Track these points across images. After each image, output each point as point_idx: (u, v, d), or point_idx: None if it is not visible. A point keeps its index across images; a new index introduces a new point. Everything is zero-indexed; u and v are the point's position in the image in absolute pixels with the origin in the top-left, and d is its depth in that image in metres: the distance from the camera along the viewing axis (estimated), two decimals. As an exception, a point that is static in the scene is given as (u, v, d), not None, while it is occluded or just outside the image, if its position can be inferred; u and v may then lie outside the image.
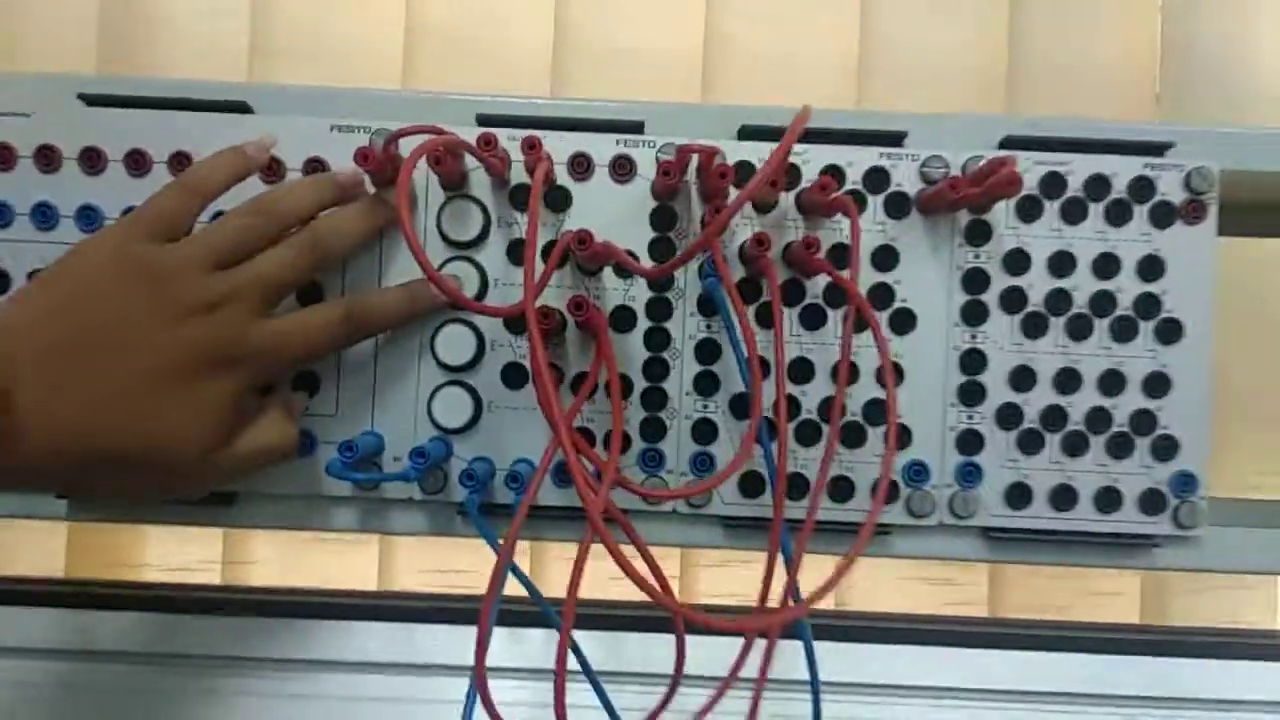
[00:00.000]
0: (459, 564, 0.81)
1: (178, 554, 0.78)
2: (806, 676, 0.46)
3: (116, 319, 0.40)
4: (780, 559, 0.44)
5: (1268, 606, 0.84)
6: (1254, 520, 0.52)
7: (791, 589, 0.43)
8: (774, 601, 0.44)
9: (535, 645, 0.64)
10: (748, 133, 0.50)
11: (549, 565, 0.82)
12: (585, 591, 0.37)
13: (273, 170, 0.48)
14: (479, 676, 0.38)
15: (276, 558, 0.81)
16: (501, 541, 0.42)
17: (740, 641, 0.44)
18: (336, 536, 0.81)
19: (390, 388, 0.49)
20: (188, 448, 0.42)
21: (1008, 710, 0.65)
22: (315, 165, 0.48)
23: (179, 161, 0.49)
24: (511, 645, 0.62)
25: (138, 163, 0.49)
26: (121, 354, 0.40)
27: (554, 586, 0.77)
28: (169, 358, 0.41)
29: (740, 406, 0.49)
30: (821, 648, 0.47)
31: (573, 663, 0.41)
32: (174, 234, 0.43)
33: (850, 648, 0.65)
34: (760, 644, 0.45)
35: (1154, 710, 0.65)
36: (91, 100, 0.50)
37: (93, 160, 0.49)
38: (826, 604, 0.76)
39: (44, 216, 0.49)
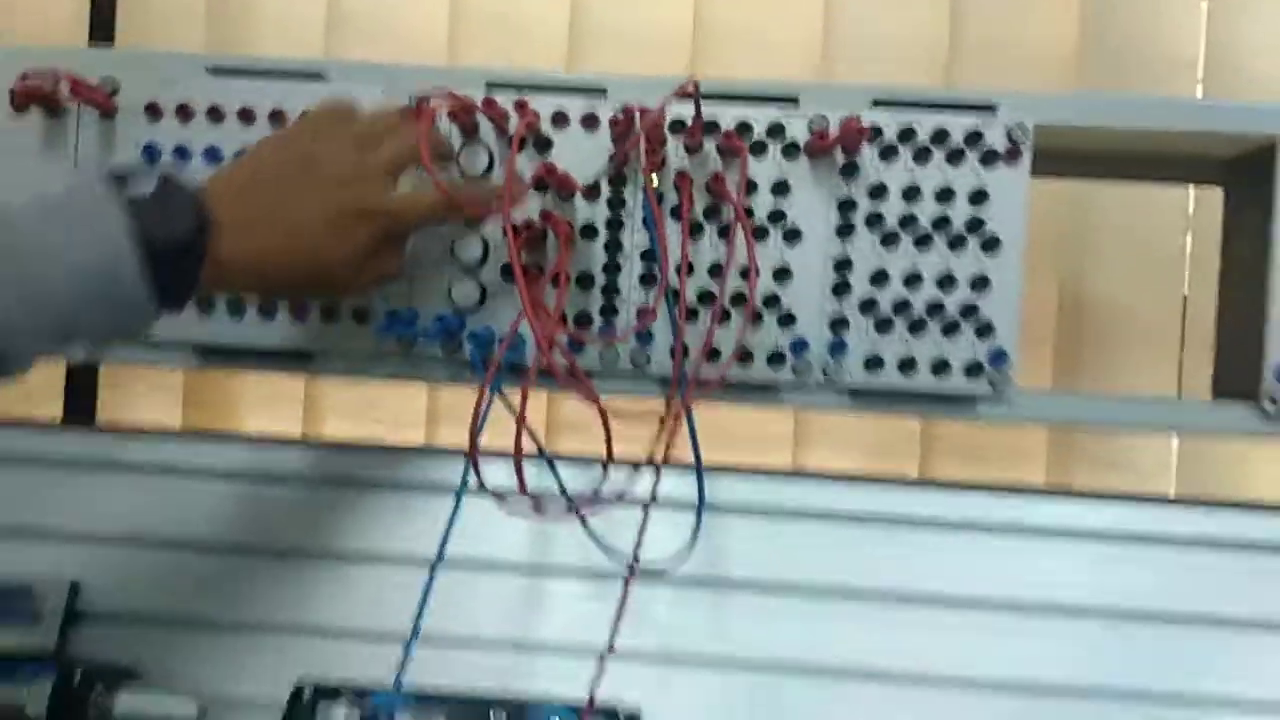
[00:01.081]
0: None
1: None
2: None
3: (291, 182, 0.58)
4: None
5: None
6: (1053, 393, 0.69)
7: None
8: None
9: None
10: (681, 96, 0.68)
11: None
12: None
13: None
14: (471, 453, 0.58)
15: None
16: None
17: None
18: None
19: (422, 280, 0.69)
20: (342, 269, 0.60)
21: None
22: (370, 118, 0.68)
23: (277, 116, 0.69)
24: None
25: (246, 116, 0.69)
26: (298, 206, 0.58)
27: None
28: (332, 210, 0.58)
29: (671, 298, 0.67)
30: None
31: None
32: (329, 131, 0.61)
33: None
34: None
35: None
36: (215, 71, 0.70)
37: (216, 115, 0.69)
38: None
39: (181, 155, 0.69)
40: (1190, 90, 1.00)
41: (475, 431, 0.59)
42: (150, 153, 0.69)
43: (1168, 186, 0.93)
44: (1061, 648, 0.72)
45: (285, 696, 0.68)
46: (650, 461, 0.64)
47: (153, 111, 0.69)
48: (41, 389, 1.06)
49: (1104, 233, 1.01)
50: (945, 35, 1.01)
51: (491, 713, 0.66)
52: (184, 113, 0.69)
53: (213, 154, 0.69)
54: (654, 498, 0.64)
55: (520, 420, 0.57)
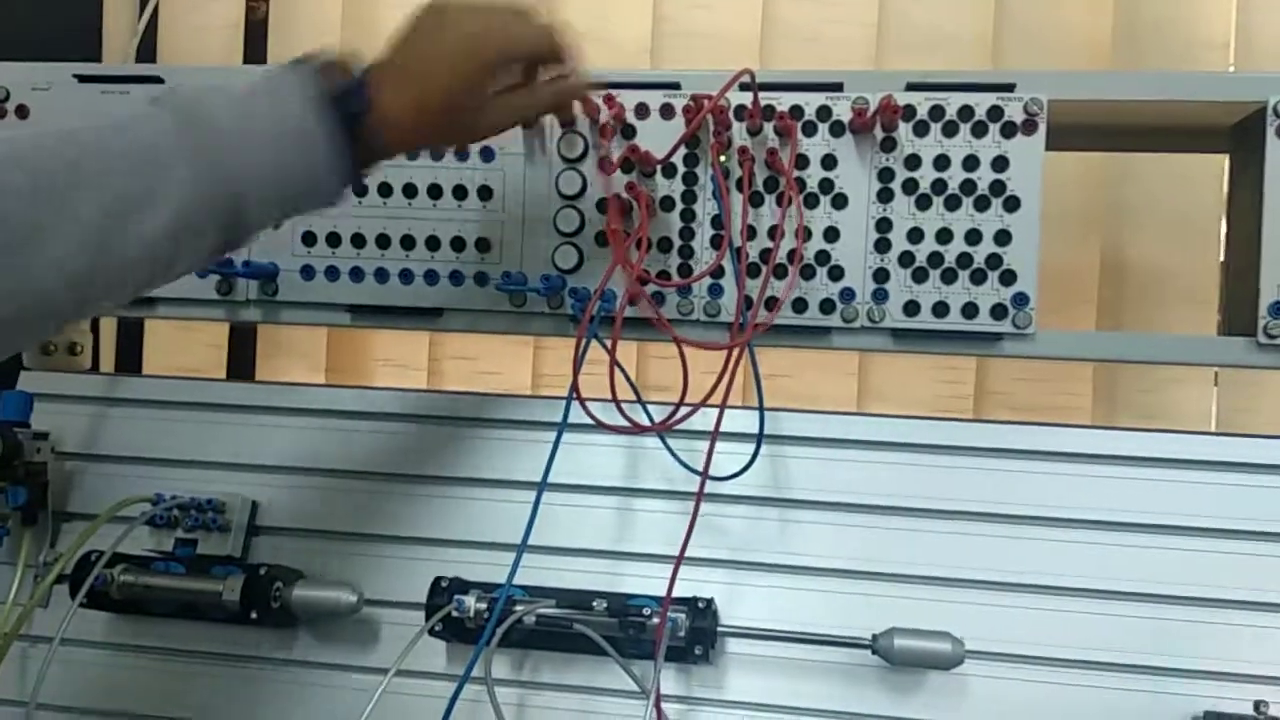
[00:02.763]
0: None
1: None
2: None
3: (431, 36, 0.65)
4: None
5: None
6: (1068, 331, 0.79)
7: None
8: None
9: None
10: (744, 86, 0.81)
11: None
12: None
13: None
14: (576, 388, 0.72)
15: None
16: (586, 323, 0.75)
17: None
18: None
19: (531, 246, 0.83)
20: (464, 97, 0.65)
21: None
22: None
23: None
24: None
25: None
26: (432, 50, 0.65)
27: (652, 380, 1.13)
28: (457, 44, 0.64)
29: (735, 258, 0.80)
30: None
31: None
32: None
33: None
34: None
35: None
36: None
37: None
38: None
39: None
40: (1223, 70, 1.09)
41: (577, 369, 0.73)
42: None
43: (1195, 156, 1.02)
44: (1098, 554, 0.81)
45: (424, 594, 0.82)
46: (715, 389, 0.76)
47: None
48: (209, 362, 1.25)
49: (1143, 202, 1.10)
50: (989, 27, 1.12)
51: (594, 602, 0.79)
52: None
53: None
54: (719, 425, 0.77)
55: (613, 351, 0.71)
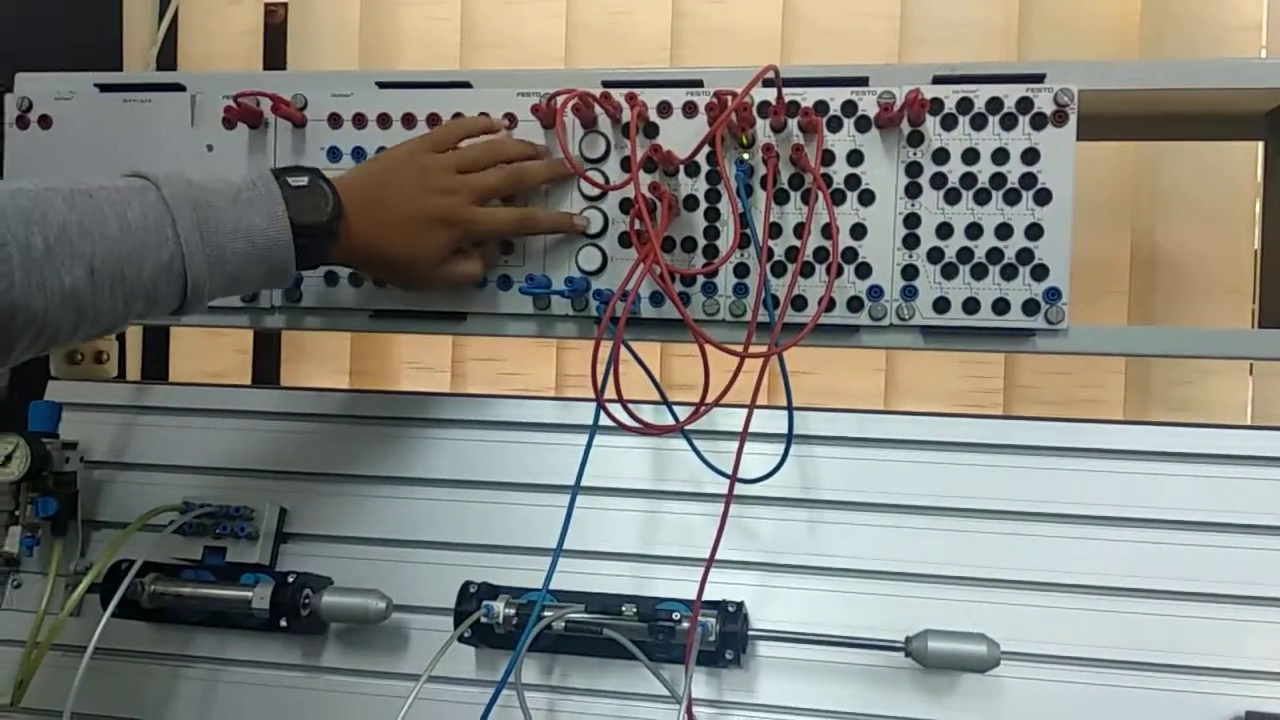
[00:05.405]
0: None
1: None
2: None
3: (398, 188, 0.75)
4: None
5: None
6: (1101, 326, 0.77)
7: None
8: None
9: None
10: (767, 83, 0.79)
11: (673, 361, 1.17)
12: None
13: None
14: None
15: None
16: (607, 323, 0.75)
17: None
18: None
19: (555, 249, 0.82)
20: (422, 261, 0.76)
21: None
22: (509, 116, 0.82)
23: (432, 119, 0.83)
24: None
25: (409, 121, 0.84)
26: (396, 207, 0.74)
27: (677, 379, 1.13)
28: (418, 214, 0.75)
29: (759, 254, 0.79)
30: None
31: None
32: (444, 149, 0.77)
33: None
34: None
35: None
36: (382, 85, 0.85)
37: (384, 121, 0.84)
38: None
39: (357, 155, 0.85)
40: (1255, 54, 1.06)
41: (604, 375, 0.72)
42: (333, 154, 0.85)
43: (1228, 144, 1.00)
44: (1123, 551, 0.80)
45: (451, 599, 0.82)
46: (730, 387, 0.75)
47: (334, 121, 0.85)
48: (234, 367, 1.25)
49: (1176, 192, 1.07)
50: (1014, 16, 1.10)
51: (623, 607, 0.78)
52: (359, 120, 0.84)
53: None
54: (748, 426, 0.76)
55: (615, 350, 0.70)
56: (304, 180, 0.70)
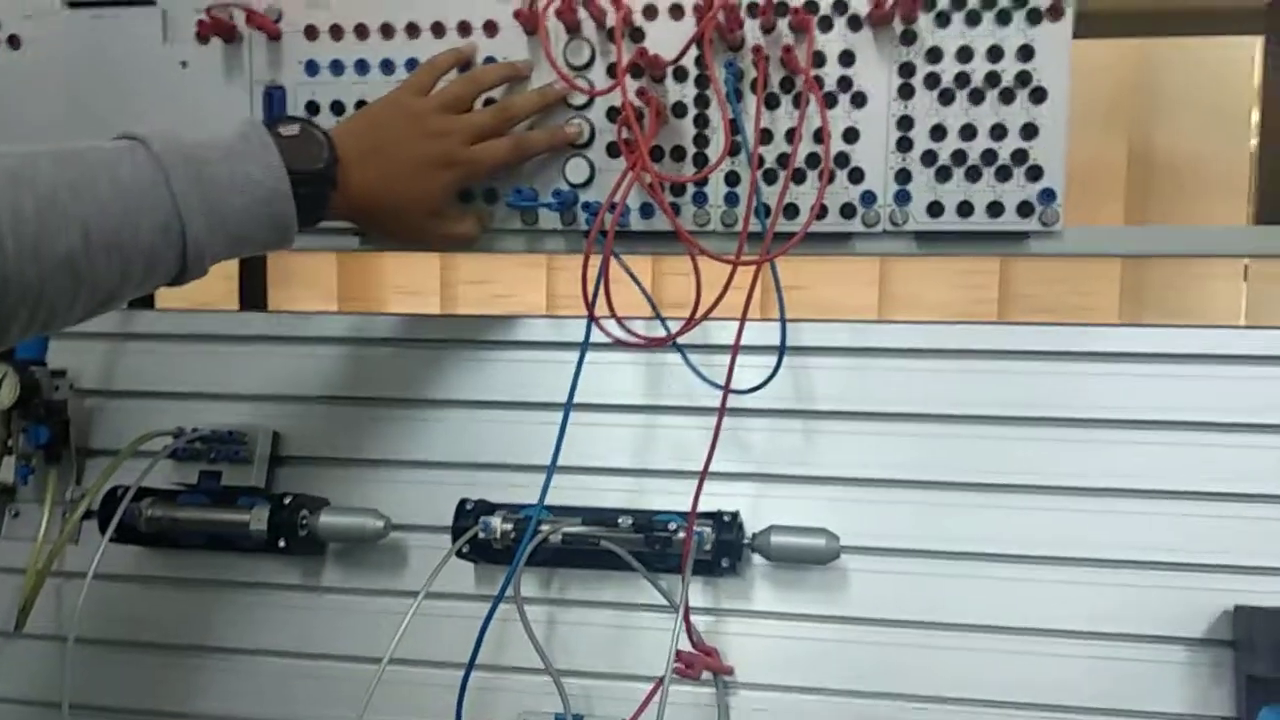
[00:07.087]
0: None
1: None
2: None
3: (394, 135, 0.73)
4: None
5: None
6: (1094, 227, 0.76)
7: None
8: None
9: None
10: (754, -18, 0.77)
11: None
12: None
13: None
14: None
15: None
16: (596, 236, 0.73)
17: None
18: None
19: (542, 161, 0.81)
20: (426, 205, 0.76)
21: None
22: (490, 24, 0.80)
23: (411, 28, 0.81)
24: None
25: (386, 31, 0.81)
26: (395, 154, 0.73)
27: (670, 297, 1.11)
28: (418, 158, 0.74)
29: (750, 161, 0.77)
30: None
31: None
32: (426, 91, 0.76)
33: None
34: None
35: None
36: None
37: (361, 31, 0.82)
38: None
39: (336, 69, 0.82)
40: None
41: (594, 289, 0.71)
42: (311, 68, 0.83)
43: (1226, 41, 0.98)
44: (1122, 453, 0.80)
45: (448, 517, 0.82)
46: (721, 299, 0.74)
47: (310, 33, 0.82)
48: (220, 294, 1.24)
49: (1172, 90, 1.06)
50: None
51: (619, 519, 0.79)
52: (335, 32, 0.82)
53: (361, 66, 0.82)
54: (739, 338, 0.75)
55: (605, 263, 0.69)
56: (295, 129, 0.68)
